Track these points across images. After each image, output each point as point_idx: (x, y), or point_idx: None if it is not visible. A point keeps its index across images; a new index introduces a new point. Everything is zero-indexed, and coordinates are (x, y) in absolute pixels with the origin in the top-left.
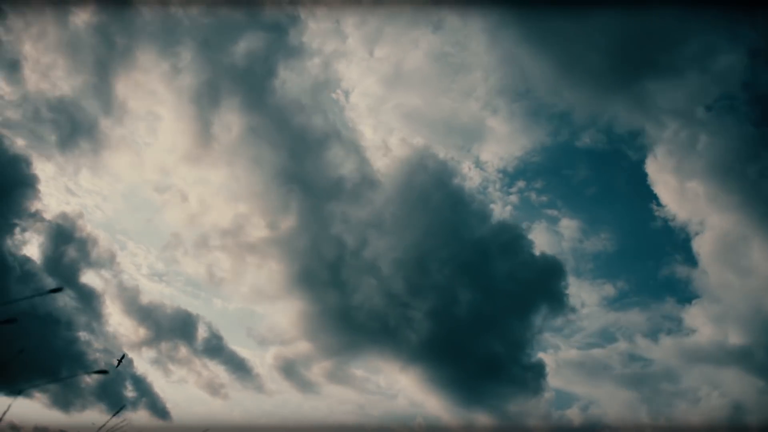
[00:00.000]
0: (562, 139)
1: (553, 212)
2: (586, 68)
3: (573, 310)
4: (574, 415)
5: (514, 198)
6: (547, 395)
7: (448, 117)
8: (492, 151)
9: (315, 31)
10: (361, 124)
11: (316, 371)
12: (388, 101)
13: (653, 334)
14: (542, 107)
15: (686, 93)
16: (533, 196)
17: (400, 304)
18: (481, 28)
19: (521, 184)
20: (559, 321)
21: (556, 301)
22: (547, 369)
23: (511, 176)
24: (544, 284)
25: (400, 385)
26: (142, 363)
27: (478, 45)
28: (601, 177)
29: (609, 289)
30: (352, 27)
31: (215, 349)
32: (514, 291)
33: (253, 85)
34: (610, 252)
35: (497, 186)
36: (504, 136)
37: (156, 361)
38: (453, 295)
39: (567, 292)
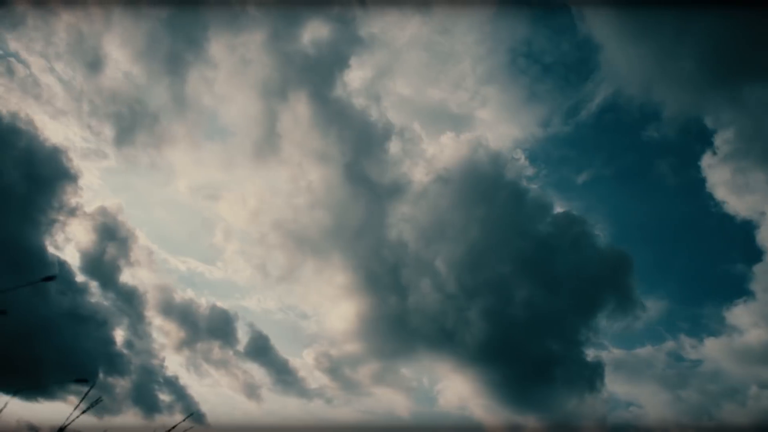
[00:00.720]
0: (554, 130)
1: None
2: (679, 67)
3: (643, 307)
4: (620, 416)
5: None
6: (603, 397)
7: (438, 105)
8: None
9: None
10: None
11: (363, 372)
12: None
13: (700, 334)
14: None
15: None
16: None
17: (455, 302)
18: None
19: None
20: (624, 321)
21: (624, 299)
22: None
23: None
24: (609, 281)
25: (446, 386)
26: (179, 365)
27: (466, 34)
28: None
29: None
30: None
31: (259, 350)
32: (576, 288)
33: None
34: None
35: None
36: (493, 125)
37: (192, 363)
38: (510, 294)
39: (635, 289)
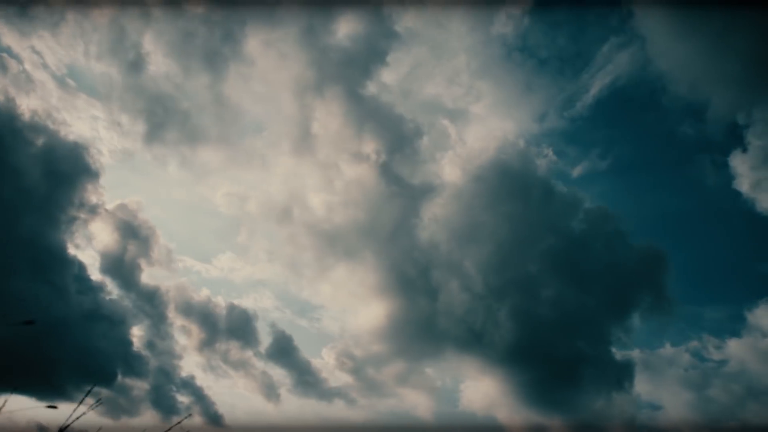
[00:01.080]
0: (550, 125)
1: None
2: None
3: (680, 306)
4: (644, 417)
5: None
6: (631, 398)
7: (432, 100)
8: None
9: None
10: None
11: (388, 373)
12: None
13: (723, 334)
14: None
15: None
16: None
17: (483, 302)
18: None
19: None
20: (659, 320)
21: (658, 298)
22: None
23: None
24: (642, 279)
25: (469, 386)
26: (198, 367)
27: (459, 27)
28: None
29: None
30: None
31: (282, 351)
32: (607, 286)
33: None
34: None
35: None
36: (486, 119)
37: (211, 365)
38: (538, 293)
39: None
